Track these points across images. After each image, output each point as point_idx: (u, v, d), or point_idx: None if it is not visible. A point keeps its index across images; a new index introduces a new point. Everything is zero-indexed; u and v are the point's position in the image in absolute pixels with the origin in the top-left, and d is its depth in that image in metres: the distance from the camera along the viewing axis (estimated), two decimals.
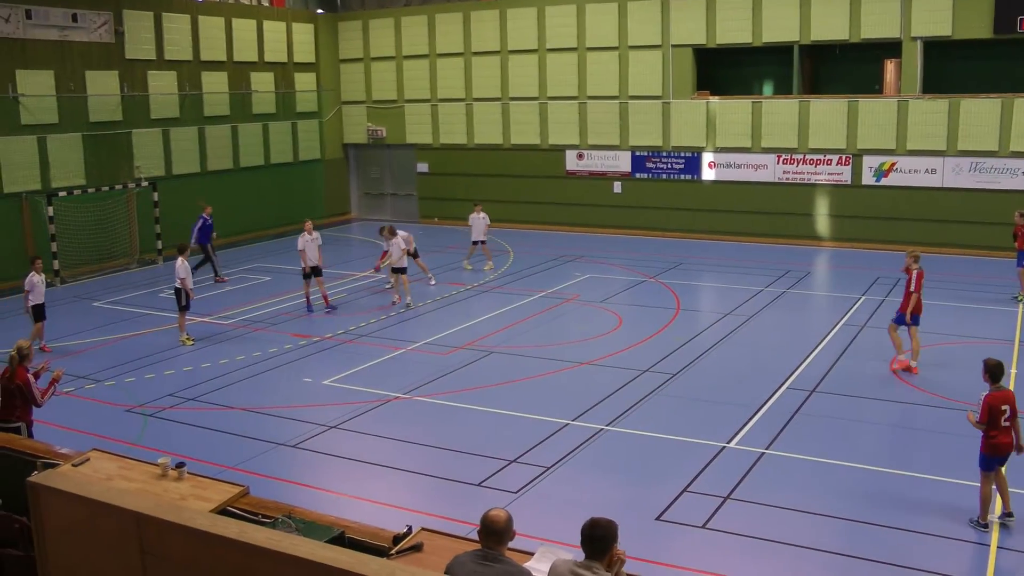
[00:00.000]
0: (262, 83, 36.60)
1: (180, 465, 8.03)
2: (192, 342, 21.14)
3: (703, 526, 12.08)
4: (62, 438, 13.26)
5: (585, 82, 35.21)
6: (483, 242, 28.84)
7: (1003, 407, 11.57)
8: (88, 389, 18.24)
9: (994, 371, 11.71)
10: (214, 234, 28.64)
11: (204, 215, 28.35)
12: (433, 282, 26.72)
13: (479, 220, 28.73)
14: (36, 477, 6.63)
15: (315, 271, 24.08)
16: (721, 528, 12.05)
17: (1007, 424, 11.61)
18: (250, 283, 27.53)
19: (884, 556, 11.29)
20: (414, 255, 26.01)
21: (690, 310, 23.82)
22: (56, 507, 6.32)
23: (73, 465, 8.10)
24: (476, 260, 29.26)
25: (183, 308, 21.27)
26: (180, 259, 21.20)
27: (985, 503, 11.80)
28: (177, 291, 21.14)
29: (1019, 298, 23.46)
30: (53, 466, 8.01)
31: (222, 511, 7.19)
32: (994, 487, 11.88)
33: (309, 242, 23.93)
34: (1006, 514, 11.95)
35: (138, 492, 7.27)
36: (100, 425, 16.03)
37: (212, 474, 8.83)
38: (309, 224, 24.44)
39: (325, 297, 24.43)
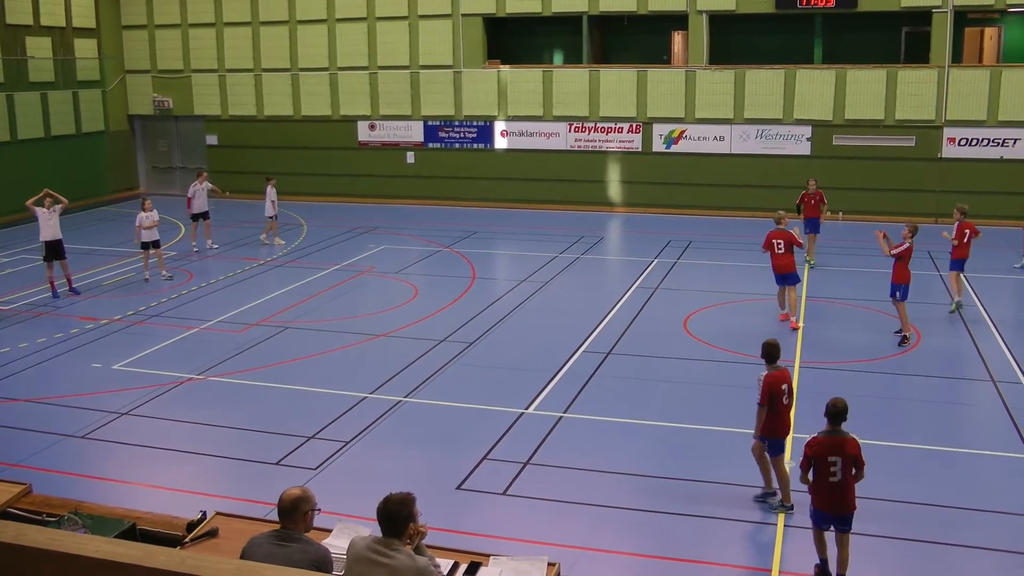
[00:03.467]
0: (39, 49, 34.74)
1: None
2: None
3: (504, 492, 12.28)
4: None
5: (376, 52, 34.97)
6: (272, 217, 28.27)
7: (782, 386, 11.45)
8: None
9: (770, 352, 11.47)
10: None
11: None
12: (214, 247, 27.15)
13: (270, 194, 28.10)
14: None
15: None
16: (522, 494, 12.26)
17: (787, 403, 11.59)
18: (31, 264, 26.25)
19: (681, 508, 11.77)
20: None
21: (486, 278, 24.07)
22: None
23: None
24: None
25: None
26: None
27: (785, 483, 11.72)
28: None
29: (809, 262, 24.29)
30: None
31: (2, 513, 6.91)
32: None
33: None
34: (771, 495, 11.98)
35: None
36: None
37: None
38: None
39: (69, 279, 23.15)
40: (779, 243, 18.95)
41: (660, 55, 33.30)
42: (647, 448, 13.60)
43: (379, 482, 10.00)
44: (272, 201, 27.85)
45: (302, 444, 13.90)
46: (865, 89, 30.08)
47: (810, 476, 9.95)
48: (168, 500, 11.92)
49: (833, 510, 9.96)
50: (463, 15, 33.64)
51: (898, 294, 18.11)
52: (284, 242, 28.43)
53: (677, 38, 32.63)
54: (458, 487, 12.46)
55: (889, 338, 18.37)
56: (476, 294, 22.38)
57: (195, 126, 38.48)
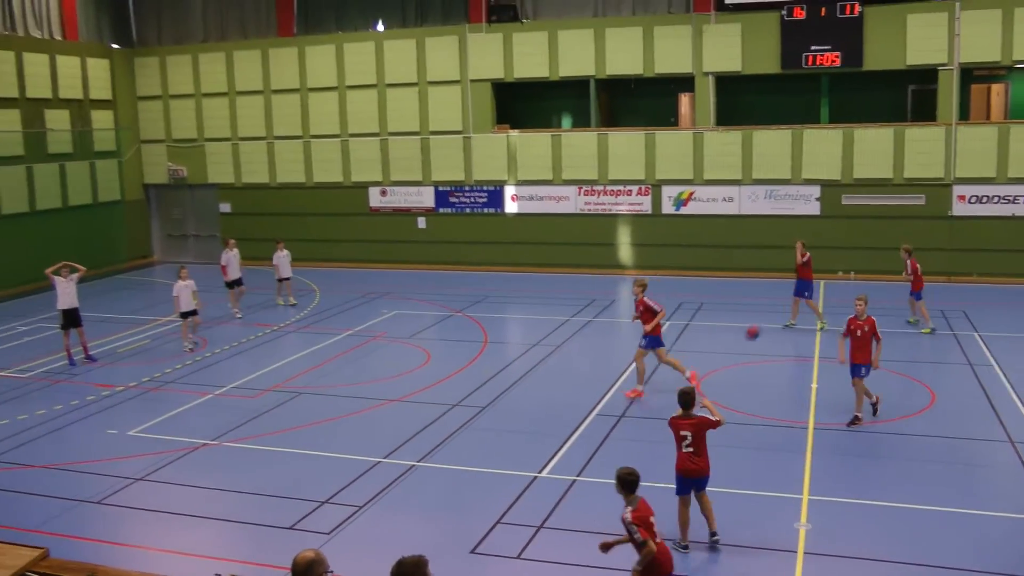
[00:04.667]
0: (57, 121, 35.34)
1: None
2: None
3: (518, 556, 12.28)
4: None
5: (386, 118, 35.39)
6: (288, 279, 28.91)
7: (683, 432, 12.16)
8: None
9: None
10: None
11: None
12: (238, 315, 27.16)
13: (283, 257, 28.70)
14: None
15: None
16: (536, 558, 12.25)
17: (689, 450, 12.20)
18: (49, 332, 26.48)
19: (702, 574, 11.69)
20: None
21: (498, 342, 24.13)
22: None
23: None
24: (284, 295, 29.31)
25: None
26: None
27: (683, 527, 12.33)
28: None
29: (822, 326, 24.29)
30: None
31: None
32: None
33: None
34: (712, 535, 12.40)
35: None
36: None
37: (9, 538, 8.57)
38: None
39: (85, 347, 23.48)
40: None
41: (668, 117, 33.64)
42: (660, 511, 13.50)
43: (393, 546, 10.03)
44: (277, 265, 28.61)
45: (316, 508, 13.94)
46: (873, 148, 30.27)
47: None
48: (184, 564, 11.96)
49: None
50: (471, 80, 34.07)
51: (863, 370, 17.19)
52: (296, 302, 28.90)
53: (684, 100, 32.99)
54: (472, 551, 12.45)
55: (907, 399, 18.34)
56: (488, 358, 22.45)
57: (209, 194, 38.87)
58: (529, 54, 33.27)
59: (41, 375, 22.22)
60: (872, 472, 14.73)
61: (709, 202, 32.02)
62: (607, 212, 33.15)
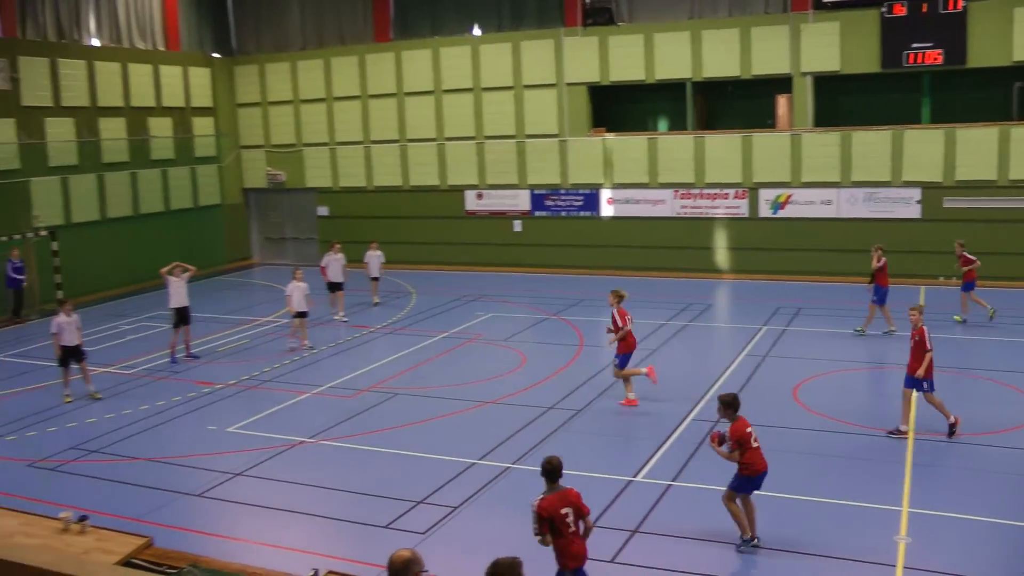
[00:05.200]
0: (160, 128, 36.26)
1: (83, 519, 7.98)
2: (70, 400, 20.37)
3: (612, 560, 12.19)
4: None
5: (482, 122, 35.55)
6: (377, 279, 29.54)
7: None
8: None
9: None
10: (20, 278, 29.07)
11: (12, 259, 28.80)
12: (343, 318, 27.42)
13: (375, 257, 29.22)
14: None
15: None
16: (630, 562, 12.16)
17: (756, 444, 12.23)
18: (152, 331, 27.12)
19: None
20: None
21: (593, 346, 24.02)
22: None
23: None
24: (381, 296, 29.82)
25: (60, 364, 20.60)
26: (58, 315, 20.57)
27: (740, 519, 12.35)
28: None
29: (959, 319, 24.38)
30: None
31: (127, 563, 7.15)
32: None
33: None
34: (749, 540, 12.37)
35: (40, 547, 7.21)
36: (0, 481, 15.70)
37: (116, 527, 8.75)
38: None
39: (188, 344, 24.07)
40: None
41: (765, 119, 33.17)
42: (764, 519, 13.35)
43: (487, 547, 10.04)
44: (368, 264, 29.26)
45: (411, 508, 14.02)
46: (976, 148, 29.51)
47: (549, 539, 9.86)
48: (280, 558, 12.10)
49: (581, 561, 10.06)
50: (567, 84, 34.06)
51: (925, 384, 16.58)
52: (379, 301, 29.61)
53: (782, 101, 32.49)
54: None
55: (1007, 410, 17.87)
56: (583, 361, 22.40)
57: (307, 198, 39.42)
58: (625, 57, 33.15)
59: (144, 372, 22.76)
60: (975, 486, 14.30)
61: (807, 205, 31.56)
62: (703, 215, 32.89)
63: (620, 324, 18.85)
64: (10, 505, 8.93)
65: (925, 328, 16.38)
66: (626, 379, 18.97)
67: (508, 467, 15.63)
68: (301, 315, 24.25)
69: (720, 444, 12.33)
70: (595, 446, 16.63)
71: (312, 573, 7.13)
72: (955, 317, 24.59)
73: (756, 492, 12.38)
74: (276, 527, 13.71)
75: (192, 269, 24.51)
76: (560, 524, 9.89)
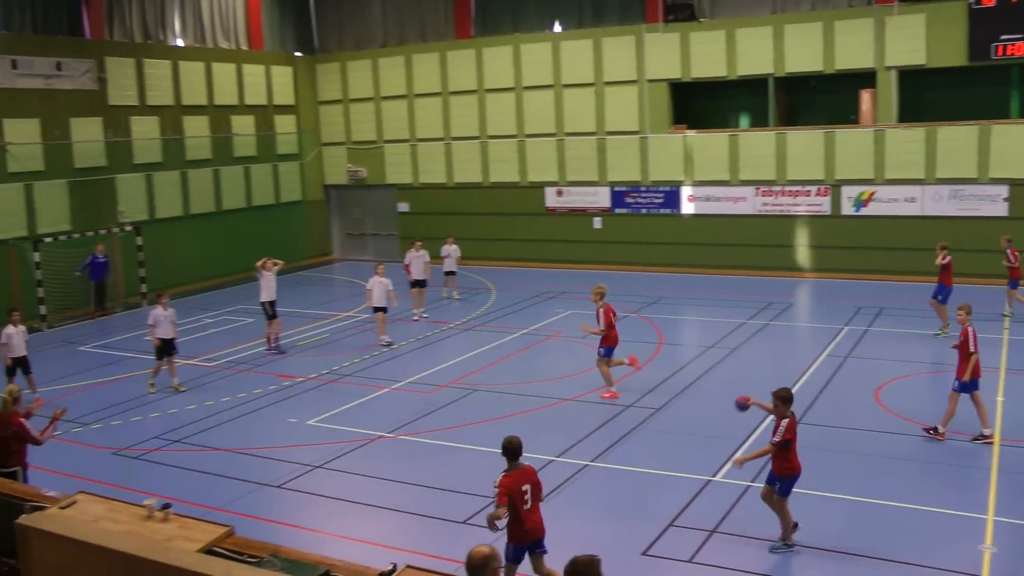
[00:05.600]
0: (243, 126, 36.78)
1: (166, 506, 8.06)
2: (155, 391, 20.76)
3: (690, 560, 12.10)
4: (49, 481, 13.25)
5: (562, 118, 35.47)
6: (454, 273, 29.87)
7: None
8: (75, 433, 18.26)
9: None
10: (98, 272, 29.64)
11: (96, 254, 29.43)
12: (423, 315, 27.49)
13: (452, 251, 29.67)
14: (24, 519, 6.67)
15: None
16: (708, 562, 12.04)
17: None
18: (233, 325, 27.54)
19: None
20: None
21: (672, 344, 23.91)
22: (44, 549, 6.37)
23: (60, 508, 8.14)
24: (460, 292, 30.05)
25: (156, 355, 21.03)
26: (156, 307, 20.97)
27: (787, 524, 12.33)
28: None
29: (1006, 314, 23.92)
30: (41, 509, 8.04)
31: (208, 551, 7.23)
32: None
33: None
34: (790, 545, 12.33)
35: (125, 533, 7.31)
36: (87, 468, 16.06)
37: (198, 515, 8.84)
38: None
39: (277, 337, 24.40)
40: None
41: (848, 115, 32.57)
42: (834, 521, 13.14)
43: (565, 544, 10.00)
44: (445, 258, 29.64)
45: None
46: None
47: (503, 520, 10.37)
48: (358, 550, 12.15)
49: (532, 536, 10.63)
50: (648, 81, 33.86)
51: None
52: (460, 297, 29.88)
53: (865, 96, 31.87)
54: (643, 553, 12.35)
55: None
56: (663, 360, 22.24)
57: (387, 194, 39.69)
58: (706, 53, 32.83)
59: (226, 364, 23.10)
60: None
61: (890, 203, 30.99)
62: (785, 213, 32.48)
63: (605, 322, 19.33)
64: (95, 491, 9.07)
65: (971, 329, 16.06)
66: (608, 374, 19.43)
67: (586, 464, 15.58)
68: (380, 310, 24.42)
69: (742, 409, 12.91)
70: (674, 445, 16.50)
71: (390, 567, 7.13)
72: (1004, 313, 24.18)
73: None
74: (354, 520, 13.83)
75: (281, 263, 25.11)
76: (518, 500, 10.48)
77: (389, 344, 24.24)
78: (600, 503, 14.08)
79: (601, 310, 19.37)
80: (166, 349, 20.72)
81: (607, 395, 19.20)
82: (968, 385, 15.99)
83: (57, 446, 17.16)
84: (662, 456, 15.77)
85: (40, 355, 23.24)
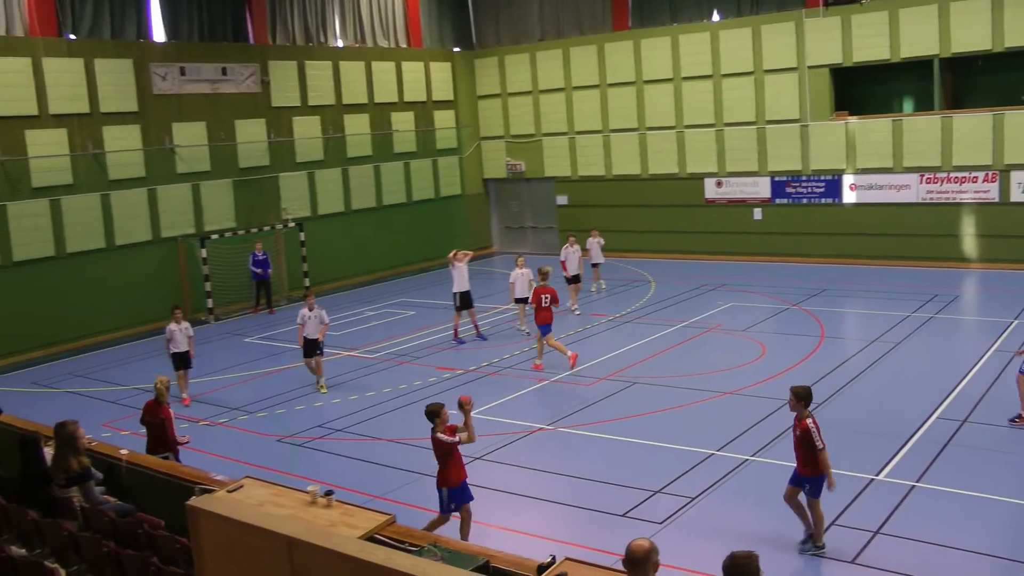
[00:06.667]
0: (402, 123, 37.40)
1: (329, 493, 8.26)
2: (325, 391, 20.94)
3: (852, 561, 11.80)
4: (217, 466, 13.76)
5: (721, 108, 35.00)
6: (599, 264, 30.10)
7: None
8: (241, 420, 18.91)
9: (806, 396, 11.64)
10: (259, 271, 30.44)
11: (256, 252, 30.23)
12: (575, 311, 27.36)
13: (595, 244, 29.81)
14: (194, 501, 6.93)
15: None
16: (870, 564, 11.72)
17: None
18: (395, 317, 28.05)
19: None
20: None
21: (835, 338, 23.36)
22: (213, 529, 6.59)
23: (228, 491, 8.42)
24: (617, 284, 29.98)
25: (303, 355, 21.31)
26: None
27: (820, 523, 12.18)
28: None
29: None
30: (210, 492, 8.34)
31: (370, 538, 7.37)
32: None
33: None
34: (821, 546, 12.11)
35: (289, 517, 7.51)
36: (252, 454, 16.61)
37: (359, 503, 9.03)
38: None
39: (476, 326, 25.00)
40: (545, 297, 21.76)
41: (1018, 96, 31.17)
42: (1001, 527, 12.63)
43: (723, 539, 9.91)
44: (590, 251, 29.78)
45: (648, 498, 13.97)
46: None
47: None
48: (517, 542, 12.26)
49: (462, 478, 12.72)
50: (809, 67, 33.13)
51: None
52: (606, 287, 30.24)
53: None
54: (802, 551, 12.13)
55: None
56: (824, 353, 21.76)
57: (546, 187, 39.83)
58: (868, 36, 31.87)
59: (387, 356, 23.55)
60: None
61: None
62: (951, 201, 31.34)
63: (540, 303, 21.60)
64: (260, 476, 9.37)
65: None
66: (544, 348, 21.53)
67: (747, 459, 15.37)
68: (521, 301, 24.64)
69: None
70: (835, 441, 15.90)
71: (549, 559, 7.16)
72: None
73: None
74: (514, 512, 13.93)
75: (470, 253, 26.00)
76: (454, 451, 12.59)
77: (528, 334, 24.35)
78: (760, 498, 13.85)
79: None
80: (309, 349, 20.95)
81: (535, 367, 21.37)
82: None
83: (224, 432, 17.91)
84: None
85: (207, 347, 24.09)
